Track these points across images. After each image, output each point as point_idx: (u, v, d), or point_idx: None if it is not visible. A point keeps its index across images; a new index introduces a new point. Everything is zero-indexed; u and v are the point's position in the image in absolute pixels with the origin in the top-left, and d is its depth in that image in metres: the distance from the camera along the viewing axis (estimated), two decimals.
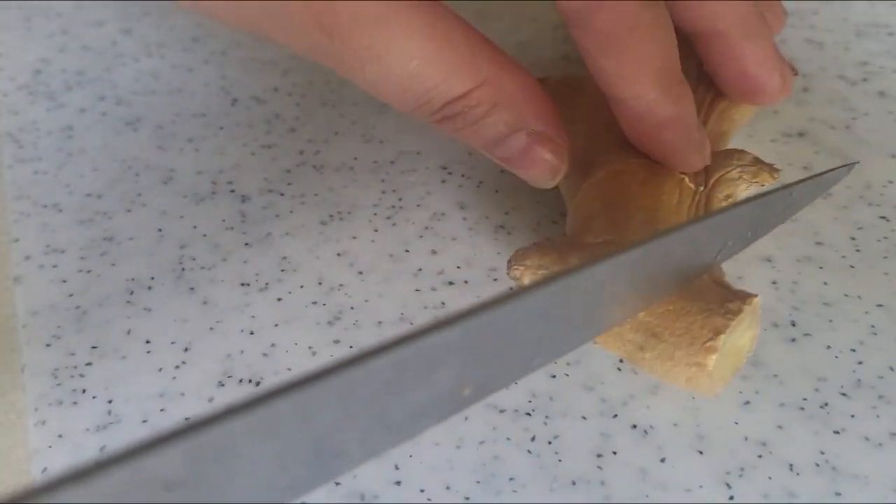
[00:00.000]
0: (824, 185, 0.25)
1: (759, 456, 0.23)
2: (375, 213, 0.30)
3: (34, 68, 0.37)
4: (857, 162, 0.29)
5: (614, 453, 0.23)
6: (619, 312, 0.21)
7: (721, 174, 0.26)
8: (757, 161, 0.26)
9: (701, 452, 0.23)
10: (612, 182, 0.26)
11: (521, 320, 0.16)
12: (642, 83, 0.24)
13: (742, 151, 0.27)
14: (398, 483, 0.23)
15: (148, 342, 0.26)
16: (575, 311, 0.18)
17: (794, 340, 0.26)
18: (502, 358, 0.16)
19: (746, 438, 0.23)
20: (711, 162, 0.26)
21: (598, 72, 0.24)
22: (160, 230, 0.29)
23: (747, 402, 0.24)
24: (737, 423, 0.24)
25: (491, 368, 0.16)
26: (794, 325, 0.26)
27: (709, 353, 0.21)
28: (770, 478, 0.22)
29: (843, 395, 0.24)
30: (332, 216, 0.30)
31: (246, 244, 0.29)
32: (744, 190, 0.26)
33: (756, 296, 0.22)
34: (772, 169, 0.26)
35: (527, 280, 0.24)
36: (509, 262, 0.25)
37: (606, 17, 0.22)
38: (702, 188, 0.26)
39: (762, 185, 0.26)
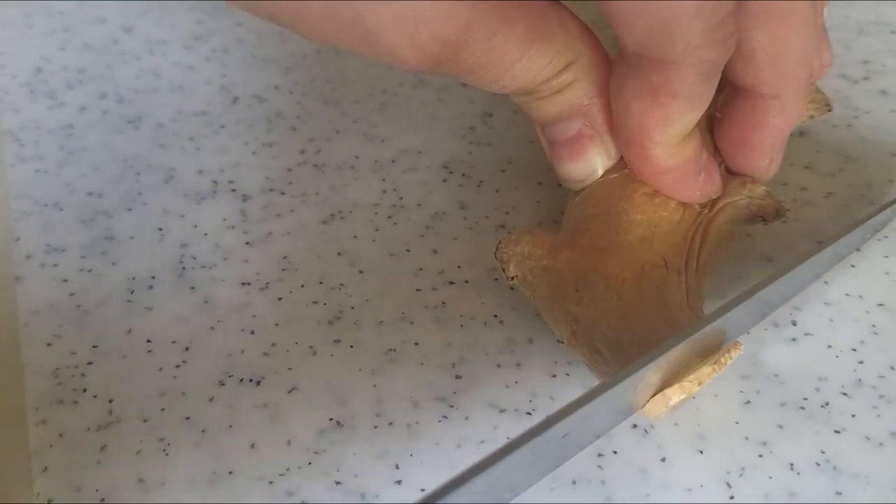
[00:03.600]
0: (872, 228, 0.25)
1: (760, 455, 0.23)
2: (376, 213, 0.30)
3: (35, 66, 0.37)
4: None
5: (615, 453, 0.23)
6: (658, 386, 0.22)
7: (729, 201, 0.26)
8: (768, 195, 0.26)
9: (701, 452, 0.23)
10: (621, 187, 0.25)
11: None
12: (650, 137, 0.23)
13: (755, 182, 0.26)
14: (399, 482, 0.23)
15: (149, 341, 0.26)
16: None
17: (794, 340, 0.26)
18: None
19: (747, 438, 0.23)
20: (726, 185, 0.26)
21: (620, 106, 0.24)
22: (161, 229, 0.29)
23: (748, 402, 0.24)
24: (737, 423, 0.24)
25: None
26: (794, 324, 0.26)
27: (680, 392, 0.21)
28: (771, 477, 0.22)
29: (844, 394, 0.24)
30: (332, 215, 0.30)
31: (247, 243, 0.29)
32: (745, 220, 0.26)
33: (741, 346, 0.22)
34: (780, 208, 0.26)
35: (512, 268, 0.24)
36: (499, 244, 0.25)
37: (663, 78, 0.22)
38: (706, 211, 0.25)
39: (764, 223, 0.26)
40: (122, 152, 0.32)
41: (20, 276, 0.28)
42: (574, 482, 0.22)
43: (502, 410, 0.24)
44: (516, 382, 0.25)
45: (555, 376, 0.25)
